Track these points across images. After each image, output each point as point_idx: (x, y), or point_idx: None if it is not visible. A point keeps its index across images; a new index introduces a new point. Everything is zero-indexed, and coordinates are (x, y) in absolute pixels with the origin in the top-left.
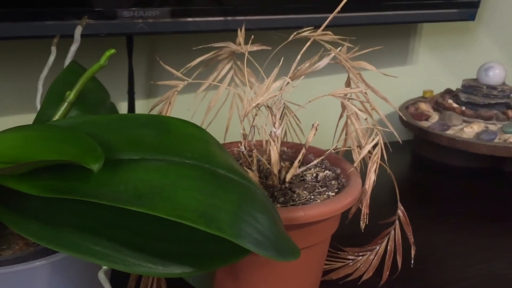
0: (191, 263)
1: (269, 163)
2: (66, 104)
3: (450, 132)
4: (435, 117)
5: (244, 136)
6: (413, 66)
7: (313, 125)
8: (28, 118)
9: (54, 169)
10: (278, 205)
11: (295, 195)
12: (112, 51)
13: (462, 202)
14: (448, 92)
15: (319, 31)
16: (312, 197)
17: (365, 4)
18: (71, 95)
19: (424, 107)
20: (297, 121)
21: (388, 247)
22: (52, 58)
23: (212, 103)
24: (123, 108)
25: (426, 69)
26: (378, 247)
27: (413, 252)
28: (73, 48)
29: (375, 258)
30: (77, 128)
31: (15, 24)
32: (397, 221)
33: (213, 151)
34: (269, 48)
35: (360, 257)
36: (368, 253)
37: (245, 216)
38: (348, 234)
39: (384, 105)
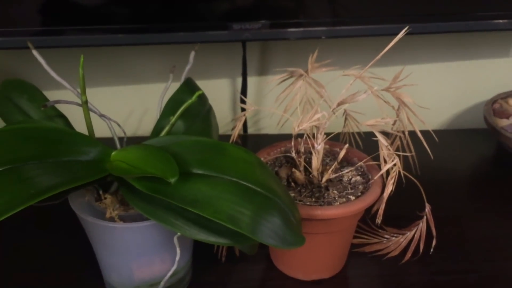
0: (232, 238)
1: (311, 167)
2: (169, 125)
3: None
4: None
5: (298, 143)
6: None
7: (344, 147)
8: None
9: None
10: (313, 199)
11: (326, 194)
12: (200, 92)
13: None
14: None
15: (362, 72)
16: (336, 198)
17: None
18: (172, 119)
19: None
20: (357, 124)
21: (415, 235)
22: (169, 82)
23: (288, 107)
24: (238, 83)
25: None
26: (408, 233)
27: (433, 243)
28: (187, 67)
29: (404, 241)
30: (169, 147)
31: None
32: (425, 216)
33: (252, 171)
34: (337, 67)
35: (394, 238)
36: (401, 236)
37: (259, 219)
38: (398, 215)
39: (469, 97)
